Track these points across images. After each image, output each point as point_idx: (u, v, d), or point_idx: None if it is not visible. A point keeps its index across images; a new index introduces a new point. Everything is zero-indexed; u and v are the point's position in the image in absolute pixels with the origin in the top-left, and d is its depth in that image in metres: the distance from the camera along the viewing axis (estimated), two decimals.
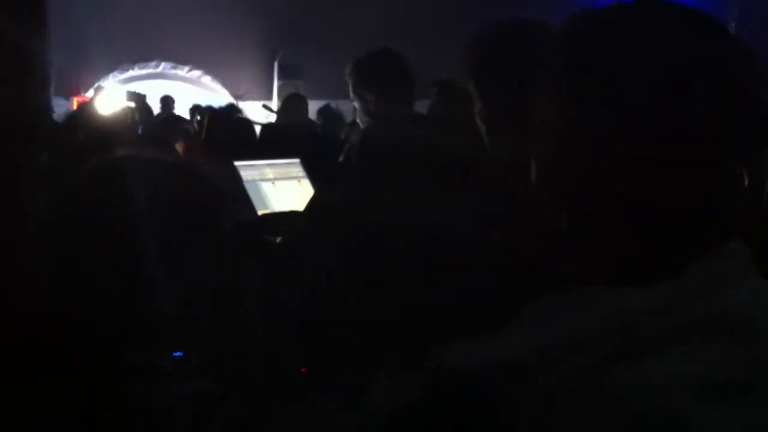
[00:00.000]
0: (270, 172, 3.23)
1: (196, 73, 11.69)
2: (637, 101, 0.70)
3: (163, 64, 11.51)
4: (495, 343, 0.73)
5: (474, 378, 0.71)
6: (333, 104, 7.30)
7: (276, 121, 5.73)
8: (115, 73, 11.05)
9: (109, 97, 7.98)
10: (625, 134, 0.70)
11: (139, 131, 5.85)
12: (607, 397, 0.64)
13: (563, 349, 0.68)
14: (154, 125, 6.14)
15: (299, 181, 3.25)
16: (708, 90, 0.70)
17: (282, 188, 3.18)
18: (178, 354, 1.16)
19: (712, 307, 0.68)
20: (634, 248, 0.72)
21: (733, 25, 7.38)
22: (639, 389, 0.64)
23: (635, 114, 0.69)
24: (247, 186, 3.10)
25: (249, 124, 5.12)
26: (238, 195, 3.03)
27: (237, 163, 3.16)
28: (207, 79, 11.75)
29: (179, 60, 11.51)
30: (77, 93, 10.30)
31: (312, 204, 2.74)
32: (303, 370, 2.93)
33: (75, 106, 8.81)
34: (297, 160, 3.33)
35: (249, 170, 3.16)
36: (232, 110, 6.22)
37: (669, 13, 0.73)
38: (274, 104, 9.29)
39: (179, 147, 4.76)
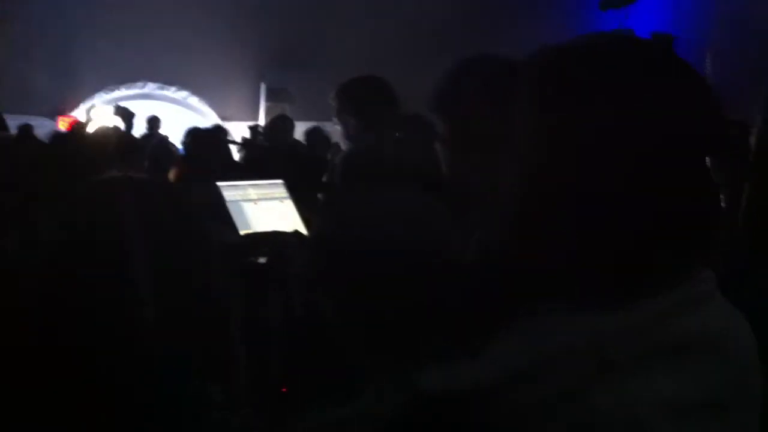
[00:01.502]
0: (253, 193, 3.23)
1: (183, 93, 11.70)
2: (605, 130, 0.71)
3: (149, 85, 11.51)
4: (472, 364, 0.74)
5: (452, 400, 0.71)
6: (320, 126, 7.34)
7: (261, 141, 5.74)
8: (102, 93, 11.04)
9: (97, 117, 7.98)
10: (594, 163, 0.71)
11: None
12: (583, 416, 0.65)
13: (540, 369, 0.68)
14: (149, 146, 6.13)
15: (282, 201, 3.26)
16: (672, 116, 0.71)
17: (264, 208, 3.18)
18: (171, 376, 1.16)
19: (684, 329, 0.69)
20: (608, 271, 0.73)
21: (708, 60, 7.51)
22: (614, 408, 0.65)
23: (604, 143, 0.71)
24: (230, 206, 3.10)
25: (228, 144, 5.13)
26: (221, 215, 3.03)
27: (220, 184, 3.16)
28: (194, 100, 11.76)
29: (166, 81, 11.52)
30: (63, 113, 10.28)
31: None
32: (283, 390, 2.92)
33: (60, 126, 8.79)
34: (280, 181, 3.34)
35: (232, 190, 3.16)
36: (217, 132, 6.24)
37: (629, 47, 0.76)
38: (261, 125, 9.31)
39: (173, 168, 4.78)
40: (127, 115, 7.62)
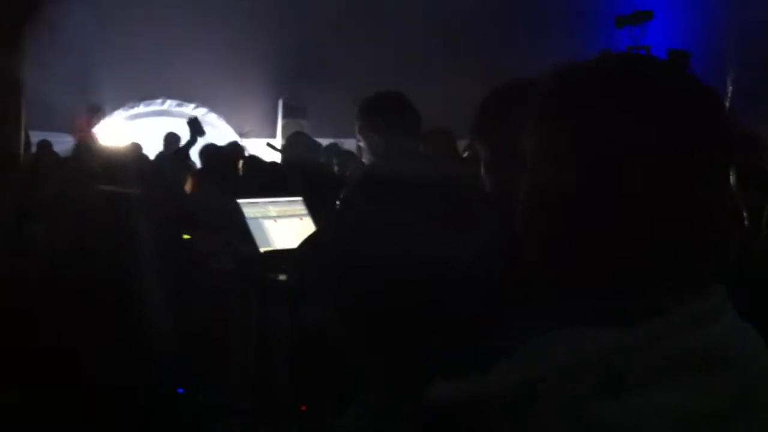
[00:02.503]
0: (272, 210, 3.25)
1: (202, 110, 11.79)
2: (618, 144, 0.72)
3: (168, 102, 11.61)
4: (481, 376, 0.75)
5: (460, 412, 0.72)
6: (339, 143, 7.37)
7: (281, 158, 5.78)
8: (121, 110, 11.14)
9: (115, 133, 8.02)
10: (606, 178, 0.72)
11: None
12: (592, 430, 0.66)
13: (549, 382, 0.69)
14: (160, 161, 6.20)
15: (301, 219, 3.27)
16: (686, 133, 0.72)
17: (284, 226, 3.20)
18: (180, 391, 1.16)
19: (692, 343, 0.70)
20: (618, 285, 0.74)
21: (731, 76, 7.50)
22: (622, 422, 0.65)
23: (616, 156, 0.72)
24: (250, 223, 3.13)
25: (253, 160, 5.16)
26: (241, 232, 3.05)
27: (240, 201, 3.19)
28: (212, 117, 11.85)
29: (185, 98, 11.62)
30: (83, 130, 10.38)
31: (310, 240, 2.76)
32: (302, 408, 2.92)
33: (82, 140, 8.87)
34: (299, 198, 3.37)
35: (252, 207, 3.19)
36: (234, 148, 6.29)
37: (644, 67, 0.78)
38: (278, 142, 9.36)
39: (186, 182, 4.82)
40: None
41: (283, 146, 5.86)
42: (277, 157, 6.24)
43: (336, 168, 5.74)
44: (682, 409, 0.67)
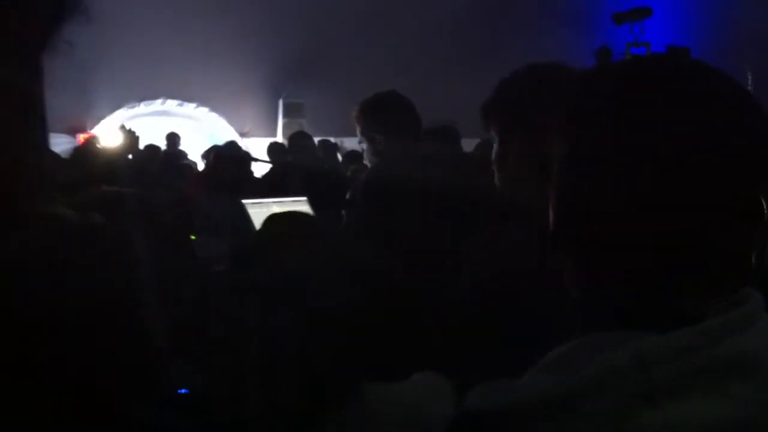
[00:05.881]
0: (277, 210, 3.25)
1: (203, 110, 11.78)
2: (650, 147, 0.72)
3: (169, 102, 11.60)
4: (515, 384, 0.74)
5: (494, 420, 0.71)
6: (335, 141, 7.36)
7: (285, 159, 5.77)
8: (121, 110, 11.12)
9: (114, 133, 7.99)
10: (638, 181, 0.72)
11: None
12: None
13: (583, 390, 0.68)
14: (158, 162, 6.19)
15: None
16: (716, 133, 0.72)
17: None
18: (183, 391, 1.16)
19: (730, 350, 0.69)
20: (652, 291, 0.73)
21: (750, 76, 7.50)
22: (657, 430, 0.65)
23: (648, 160, 0.71)
24: (256, 224, 3.12)
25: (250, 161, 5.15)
26: (247, 233, 3.05)
27: (245, 201, 3.19)
28: (213, 117, 11.84)
29: (185, 98, 11.60)
30: (83, 130, 10.36)
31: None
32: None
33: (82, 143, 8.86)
34: (304, 199, 3.36)
35: (256, 208, 3.19)
36: (235, 148, 6.27)
37: (679, 68, 0.77)
38: (279, 141, 9.34)
39: (187, 184, 4.82)
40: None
41: (287, 146, 5.86)
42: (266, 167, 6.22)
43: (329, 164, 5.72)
44: (720, 420, 0.66)
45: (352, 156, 6.17)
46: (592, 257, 0.76)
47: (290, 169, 4.88)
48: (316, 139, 6.53)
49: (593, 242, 0.75)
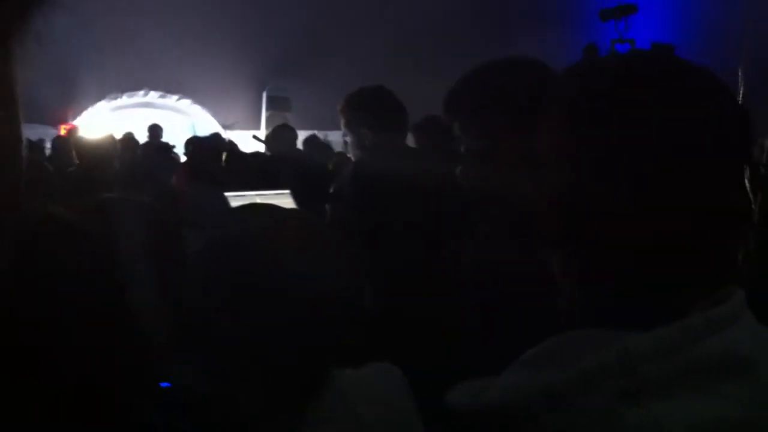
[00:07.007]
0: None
1: (185, 102, 11.72)
2: (638, 145, 0.71)
3: (151, 93, 11.53)
4: (501, 382, 0.74)
5: (480, 419, 0.71)
6: (320, 135, 7.33)
7: (266, 151, 5.75)
8: (104, 101, 11.05)
9: (97, 125, 7.96)
10: (625, 179, 0.71)
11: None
12: None
13: (569, 389, 0.68)
14: (144, 155, 6.14)
15: None
16: (707, 132, 0.71)
17: None
18: (165, 384, 1.15)
19: (713, 348, 0.69)
20: (637, 290, 0.73)
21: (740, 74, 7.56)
22: (644, 428, 0.65)
23: (636, 157, 0.71)
24: None
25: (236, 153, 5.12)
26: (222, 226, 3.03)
27: (227, 194, 3.17)
28: (196, 109, 11.78)
29: (168, 89, 11.54)
30: (65, 121, 10.29)
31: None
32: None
33: (63, 134, 8.80)
34: (287, 192, 3.35)
35: (239, 201, 3.16)
36: (217, 140, 6.25)
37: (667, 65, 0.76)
38: (262, 134, 9.32)
39: (173, 177, 4.78)
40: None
41: (267, 138, 5.83)
42: (261, 148, 6.21)
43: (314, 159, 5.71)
44: (705, 417, 0.66)
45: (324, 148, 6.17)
46: (581, 254, 0.76)
47: (273, 161, 4.86)
48: (303, 133, 6.50)
49: (583, 240, 0.75)
